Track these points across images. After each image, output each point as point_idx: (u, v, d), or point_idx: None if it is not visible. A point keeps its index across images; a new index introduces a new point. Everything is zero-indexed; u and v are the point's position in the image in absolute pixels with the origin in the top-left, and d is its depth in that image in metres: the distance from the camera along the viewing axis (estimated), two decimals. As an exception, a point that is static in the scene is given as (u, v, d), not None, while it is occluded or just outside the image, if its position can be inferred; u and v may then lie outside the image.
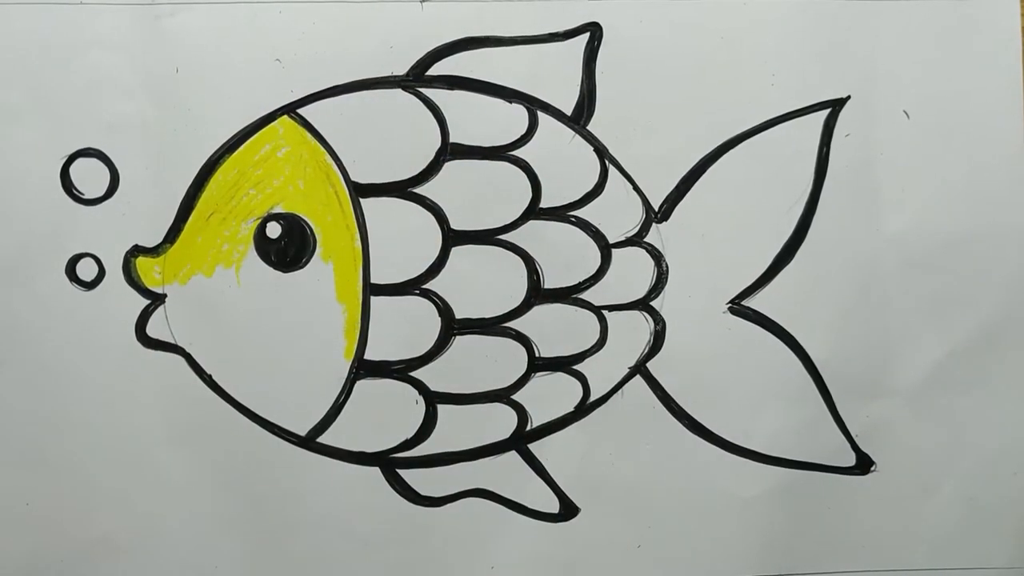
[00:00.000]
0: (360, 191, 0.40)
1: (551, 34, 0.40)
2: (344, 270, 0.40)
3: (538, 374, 0.41)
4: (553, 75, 0.40)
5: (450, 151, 0.40)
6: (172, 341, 0.39)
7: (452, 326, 0.40)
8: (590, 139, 0.40)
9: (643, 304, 0.41)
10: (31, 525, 0.39)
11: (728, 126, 0.41)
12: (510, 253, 0.40)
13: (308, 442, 0.40)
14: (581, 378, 0.41)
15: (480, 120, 0.40)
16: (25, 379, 0.39)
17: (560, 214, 0.40)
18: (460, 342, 0.40)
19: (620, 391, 0.41)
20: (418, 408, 0.40)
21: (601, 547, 0.41)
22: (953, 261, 0.42)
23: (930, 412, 0.42)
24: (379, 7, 0.39)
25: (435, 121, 0.40)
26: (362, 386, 0.40)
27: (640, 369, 0.41)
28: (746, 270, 0.41)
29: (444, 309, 0.40)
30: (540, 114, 0.40)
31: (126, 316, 0.39)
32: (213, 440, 0.39)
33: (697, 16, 0.40)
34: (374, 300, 0.40)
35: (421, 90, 0.39)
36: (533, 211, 0.40)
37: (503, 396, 0.40)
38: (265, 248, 0.39)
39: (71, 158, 0.39)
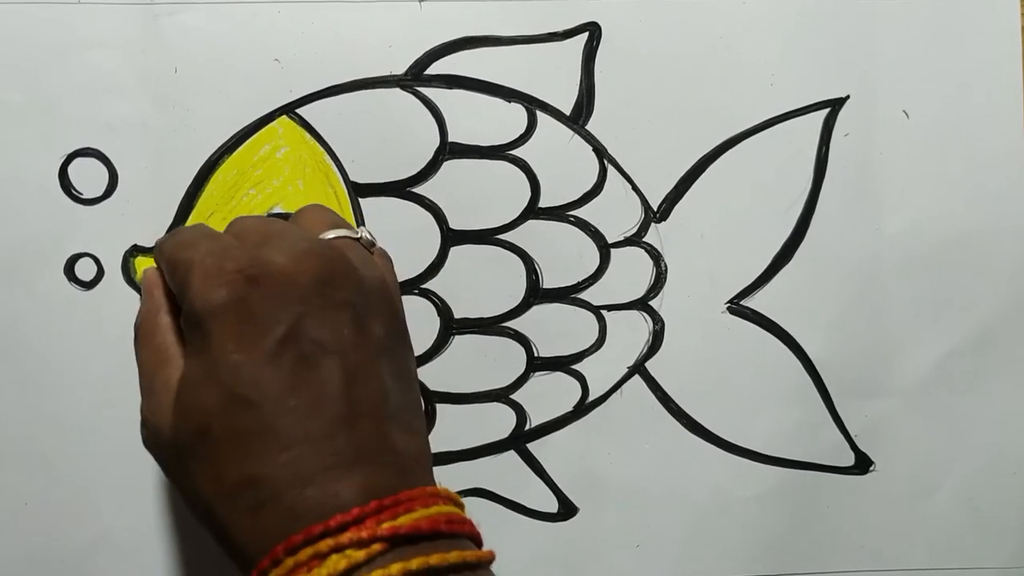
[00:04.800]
0: (359, 191, 0.40)
1: (550, 34, 0.40)
2: (343, 270, 0.39)
3: (537, 374, 0.41)
4: (552, 75, 0.40)
5: (448, 150, 0.40)
6: (172, 341, 0.39)
7: (451, 326, 0.40)
8: (589, 139, 0.40)
9: (642, 304, 0.41)
10: (31, 525, 0.39)
11: (727, 126, 0.41)
12: (509, 253, 0.40)
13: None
14: (580, 378, 0.41)
15: (479, 119, 0.40)
16: (24, 379, 0.39)
17: (559, 214, 0.40)
18: (459, 342, 0.40)
19: (619, 391, 0.41)
20: (417, 408, 0.40)
21: (600, 547, 0.41)
22: (953, 261, 0.41)
23: (930, 412, 0.42)
24: (378, 7, 0.39)
25: (434, 120, 0.40)
26: (361, 386, 0.40)
27: (639, 369, 0.41)
28: (745, 270, 0.41)
29: (443, 309, 0.40)
30: (539, 114, 0.40)
31: (125, 316, 0.39)
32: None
33: (696, 16, 0.40)
34: (373, 300, 0.40)
35: (420, 89, 0.39)
36: (532, 211, 0.40)
37: (502, 396, 0.40)
38: (265, 248, 0.39)
39: (69, 158, 0.39)
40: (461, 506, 0.29)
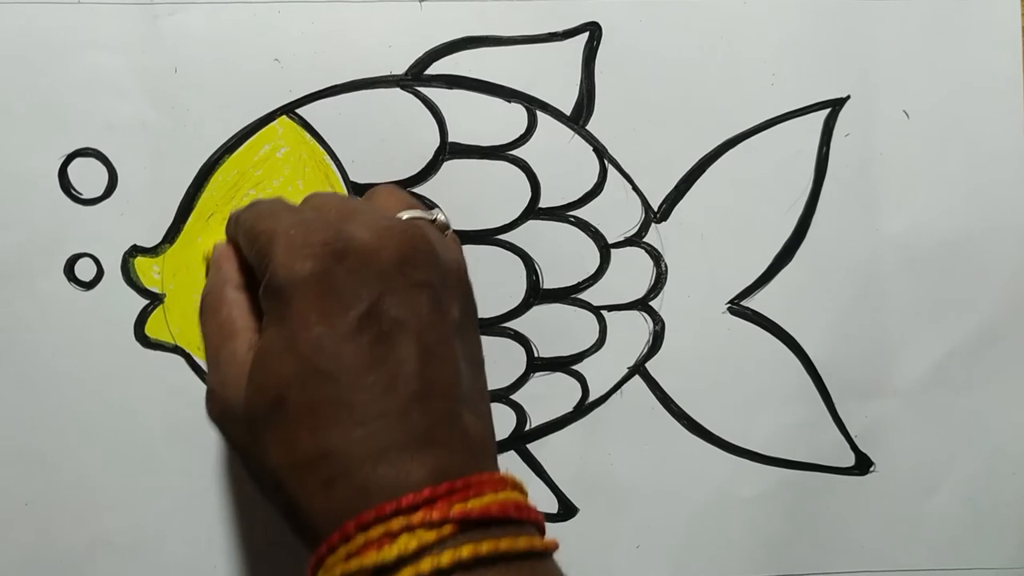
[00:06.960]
0: (359, 191, 0.40)
1: (550, 34, 0.40)
2: (343, 270, 0.39)
3: (537, 374, 0.41)
4: (552, 75, 0.40)
5: (449, 151, 0.40)
6: (171, 341, 0.39)
7: (451, 326, 0.40)
8: (589, 139, 0.40)
9: (642, 304, 0.41)
10: (31, 525, 0.39)
11: (728, 126, 0.41)
12: (509, 253, 0.40)
13: (307, 442, 0.40)
14: (580, 378, 0.41)
15: (479, 119, 0.40)
16: (24, 379, 0.39)
17: (559, 214, 0.40)
18: (459, 342, 0.40)
19: (619, 391, 0.41)
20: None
21: (600, 547, 0.41)
22: (953, 261, 0.41)
23: (930, 412, 0.42)
24: (378, 7, 0.39)
25: (434, 120, 0.39)
26: (361, 386, 0.40)
27: (639, 369, 0.41)
28: (745, 270, 0.41)
29: (443, 309, 0.40)
30: (539, 114, 0.40)
31: (125, 316, 0.39)
32: (213, 439, 0.39)
33: (697, 16, 0.40)
34: (373, 300, 0.40)
35: (420, 89, 0.39)
36: (532, 211, 0.40)
37: (502, 396, 0.40)
38: (265, 248, 0.39)
39: (69, 158, 0.39)
40: (525, 493, 0.29)
